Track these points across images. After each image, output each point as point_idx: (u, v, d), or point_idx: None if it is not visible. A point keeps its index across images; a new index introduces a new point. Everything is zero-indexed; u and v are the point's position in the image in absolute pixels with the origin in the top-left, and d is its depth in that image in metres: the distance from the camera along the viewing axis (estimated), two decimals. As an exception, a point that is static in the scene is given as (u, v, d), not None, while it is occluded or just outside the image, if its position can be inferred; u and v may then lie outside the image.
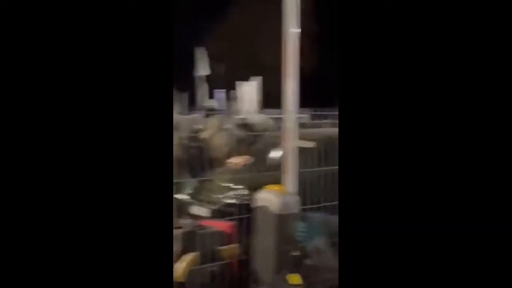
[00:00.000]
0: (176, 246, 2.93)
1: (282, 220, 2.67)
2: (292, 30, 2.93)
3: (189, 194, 4.56)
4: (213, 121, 5.87)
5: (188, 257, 2.75)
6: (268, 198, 2.75)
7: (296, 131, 2.99)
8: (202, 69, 9.02)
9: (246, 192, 4.36)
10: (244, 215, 3.30)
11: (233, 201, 4.04)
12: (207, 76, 9.40)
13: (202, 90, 9.59)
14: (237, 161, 4.91)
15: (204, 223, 3.30)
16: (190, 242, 2.89)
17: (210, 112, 12.18)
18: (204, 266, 2.75)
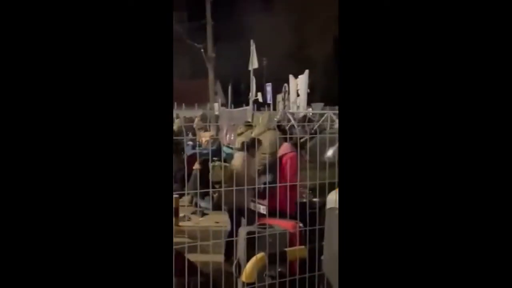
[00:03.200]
0: (243, 247, 2.90)
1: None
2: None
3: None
4: (263, 118, 5.77)
5: (256, 258, 2.70)
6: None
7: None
8: (253, 62, 9.00)
9: (307, 190, 4.28)
10: (308, 213, 3.21)
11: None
12: (256, 70, 9.37)
13: (251, 84, 9.60)
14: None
15: (268, 221, 3.25)
16: (256, 242, 2.85)
17: (259, 105, 12.26)
18: (271, 267, 2.69)
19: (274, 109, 12.01)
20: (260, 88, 12.50)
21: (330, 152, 5.37)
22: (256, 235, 2.89)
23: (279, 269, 2.73)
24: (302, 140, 5.44)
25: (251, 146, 4.38)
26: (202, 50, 15.78)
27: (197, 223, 5.85)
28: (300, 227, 3.27)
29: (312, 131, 7.38)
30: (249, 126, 6.34)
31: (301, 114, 9.70)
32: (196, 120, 7.56)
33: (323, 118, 8.73)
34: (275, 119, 7.14)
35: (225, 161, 4.70)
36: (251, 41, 9.09)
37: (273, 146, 4.65)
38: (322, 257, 2.69)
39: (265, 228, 3.08)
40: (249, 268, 2.63)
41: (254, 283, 2.57)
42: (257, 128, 5.59)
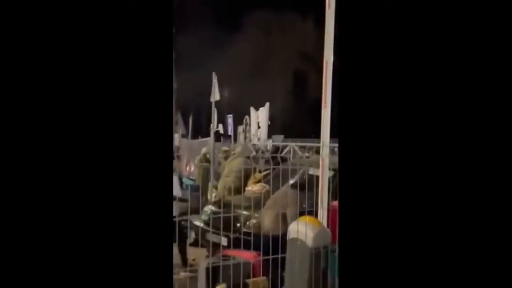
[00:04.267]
0: (203, 279, 2.85)
1: (317, 253, 2.59)
2: (330, 59, 2.92)
3: (206, 222, 4.48)
4: (236, 147, 5.90)
5: (216, 289, 2.67)
6: (302, 230, 2.68)
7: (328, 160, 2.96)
8: (214, 94, 9.05)
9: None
10: (266, 243, 3.20)
11: (251, 230, 3.95)
12: (217, 102, 9.43)
13: (212, 115, 9.62)
14: (255, 189, 4.85)
15: (228, 252, 3.22)
16: (217, 273, 2.81)
17: (219, 136, 12.29)
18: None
19: (235, 140, 12.06)
20: (221, 119, 12.53)
21: (291, 182, 5.42)
22: (213, 267, 2.86)
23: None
24: (266, 172, 5.49)
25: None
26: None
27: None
28: (261, 257, 3.26)
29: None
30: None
31: (270, 146, 9.81)
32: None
33: (286, 150, 8.87)
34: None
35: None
36: (213, 74, 9.16)
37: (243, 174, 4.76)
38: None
39: (227, 259, 3.06)
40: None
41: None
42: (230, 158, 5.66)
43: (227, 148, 8.33)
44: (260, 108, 11.04)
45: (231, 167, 5.01)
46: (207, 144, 9.52)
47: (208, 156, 6.99)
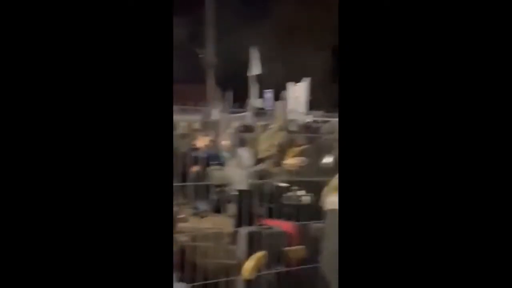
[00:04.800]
0: (243, 246, 2.94)
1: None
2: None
3: (246, 192, 4.57)
4: (275, 121, 5.92)
5: (256, 256, 2.75)
6: (339, 201, 2.71)
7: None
8: (254, 68, 9.07)
9: (304, 193, 4.33)
10: (303, 216, 3.26)
11: (292, 202, 4.01)
12: (258, 76, 9.45)
13: (252, 90, 9.66)
14: (293, 162, 4.87)
15: (267, 222, 3.30)
16: (256, 242, 2.90)
17: (259, 111, 12.31)
18: (270, 266, 2.74)
19: (274, 115, 12.03)
20: (260, 95, 12.54)
21: (328, 158, 5.43)
22: (256, 235, 2.94)
23: (278, 268, 2.78)
24: (304, 146, 5.51)
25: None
26: (202, 56, 15.82)
27: (196, 225, 5.87)
28: (298, 227, 3.31)
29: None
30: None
31: (309, 121, 9.79)
32: (196, 125, 7.62)
33: (325, 125, 8.81)
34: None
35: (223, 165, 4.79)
36: (252, 47, 9.17)
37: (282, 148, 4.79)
38: (321, 257, 2.73)
39: (265, 228, 3.13)
40: (249, 265, 2.68)
41: (253, 281, 2.62)
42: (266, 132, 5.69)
43: (266, 123, 8.38)
44: (299, 83, 10.97)
45: (271, 141, 5.06)
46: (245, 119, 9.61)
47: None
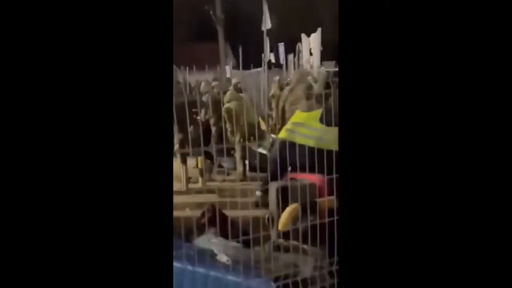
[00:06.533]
0: (274, 199, 3.03)
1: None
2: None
3: (268, 150, 4.65)
4: (294, 75, 5.90)
5: (290, 208, 2.85)
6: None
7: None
8: (266, 22, 8.91)
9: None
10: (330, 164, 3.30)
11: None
12: (268, 30, 9.29)
13: (265, 44, 9.54)
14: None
15: (296, 176, 3.37)
16: (286, 194, 2.98)
17: (271, 65, 12.20)
18: (304, 218, 2.83)
19: (287, 69, 11.96)
20: (272, 49, 12.38)
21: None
22: (287, 187, 3.01)
23: (311, 218, 2.85)
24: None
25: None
26: (211, 12, 15.54)
27: (223, 182, 5.97)
28: (327, 178, 3.37)
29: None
30: None
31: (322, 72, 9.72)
32: (212, 84, 7.61)
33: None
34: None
35: None
36: (263, 1, 8.98)
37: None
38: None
39: (294, 181, 3.19)
40: (284, 217, 2.78)
41: (289, 231, 2.71)
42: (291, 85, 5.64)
43: (279, 78, 8.29)
44: (312, 34, 10.78)
45: (296, 95, 5.00)
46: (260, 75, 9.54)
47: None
